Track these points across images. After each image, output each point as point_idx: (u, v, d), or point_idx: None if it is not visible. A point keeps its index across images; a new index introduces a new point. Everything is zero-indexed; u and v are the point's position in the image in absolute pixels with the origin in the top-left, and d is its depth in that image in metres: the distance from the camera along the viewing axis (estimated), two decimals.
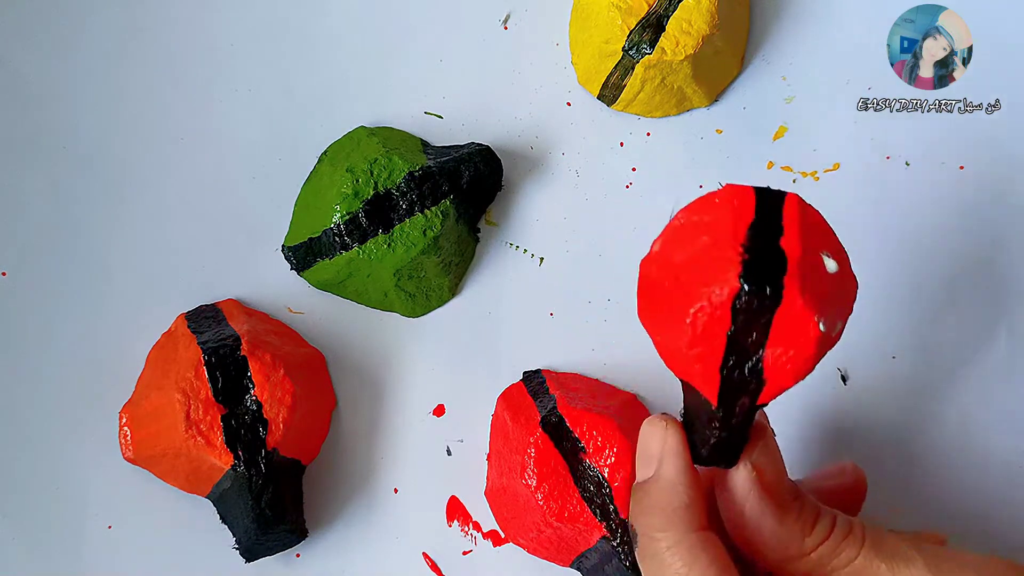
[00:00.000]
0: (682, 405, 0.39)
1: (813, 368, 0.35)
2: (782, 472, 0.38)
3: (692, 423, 0.38)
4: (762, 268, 0.34)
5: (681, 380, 0.37)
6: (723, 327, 0.34)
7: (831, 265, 0.35)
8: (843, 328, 0.36)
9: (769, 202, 0.35)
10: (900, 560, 0.37)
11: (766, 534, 0.37)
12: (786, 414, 0.51)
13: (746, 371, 0.35)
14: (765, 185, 0.36)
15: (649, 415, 0.50)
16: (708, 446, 0.37)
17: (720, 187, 0.36)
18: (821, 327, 0.34)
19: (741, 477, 0.37)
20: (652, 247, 0.36)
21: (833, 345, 0.36)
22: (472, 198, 0.51)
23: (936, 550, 0.38)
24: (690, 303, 0.35)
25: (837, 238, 0.36)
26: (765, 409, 0.37)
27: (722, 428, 0.36)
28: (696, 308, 0.34)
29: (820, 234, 0.36)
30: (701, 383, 0.36)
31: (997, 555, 0.49)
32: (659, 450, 0.38)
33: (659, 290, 0.36)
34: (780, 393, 0.35)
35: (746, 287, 0.34)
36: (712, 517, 0.38)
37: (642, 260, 0.37)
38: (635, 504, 0.38)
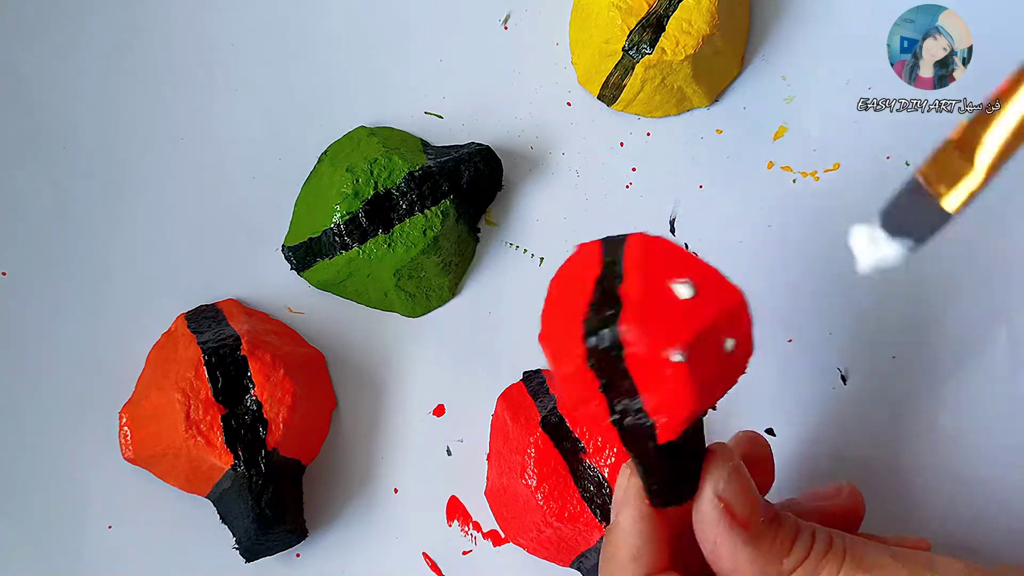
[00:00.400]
0: None
1: (710, 395, 0.35)
2: (753, 499, 0.37)
3: (640, 470, 0.38)
4: (602, 319, 0.34)
5: None
6: (594, 385, 0.35)
7: (683, 292, 0.34)
8: (744, 343, 0.35)
9: (613, 249, 0.35)
10: (879, 571, 0.37)
11: (741, 562, 0.37)
12: (786, 414, 0.51)
13: (635, 418, 0.35)
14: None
15: None
16: (652, 492, 0.37)
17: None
18: (677, 356, 0.33)
19: (706, 511, 0.37)
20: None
21: (741, 362, 0.35)
22: (472, 198, 0.51)
23: (917, 557, 0.38)
24: (560, 371, 0.35)
25: (697, 260, 0.35)
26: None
27: (654, 472, 0.36)
28: (564, 374, 0.35)
29: (670, 264, 0.35)
30: (609, 437, 0.37)
31: (992, 559, 0.50)
32: (618, 498, 0.39)
33: (549, 361, 0.36)
34: (681, 428, 0.35)
35: (590, 344, 0.34)
36: (678, 557, 0.39)
37: (538, 336, 0.37)
38: (602, 549, 0.39)
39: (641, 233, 0.36)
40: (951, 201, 0.30)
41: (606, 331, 0.34)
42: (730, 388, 0.36)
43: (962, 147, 0.29)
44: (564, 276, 0.36)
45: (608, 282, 0.35)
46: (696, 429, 0.37)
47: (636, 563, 0.37)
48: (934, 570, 0.37)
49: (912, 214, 0.30)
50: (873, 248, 0.30)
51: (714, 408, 0.37)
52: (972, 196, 0.29)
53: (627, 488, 0.38)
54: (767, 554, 0.37)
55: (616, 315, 0.34)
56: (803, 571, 0.37)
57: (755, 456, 0.41)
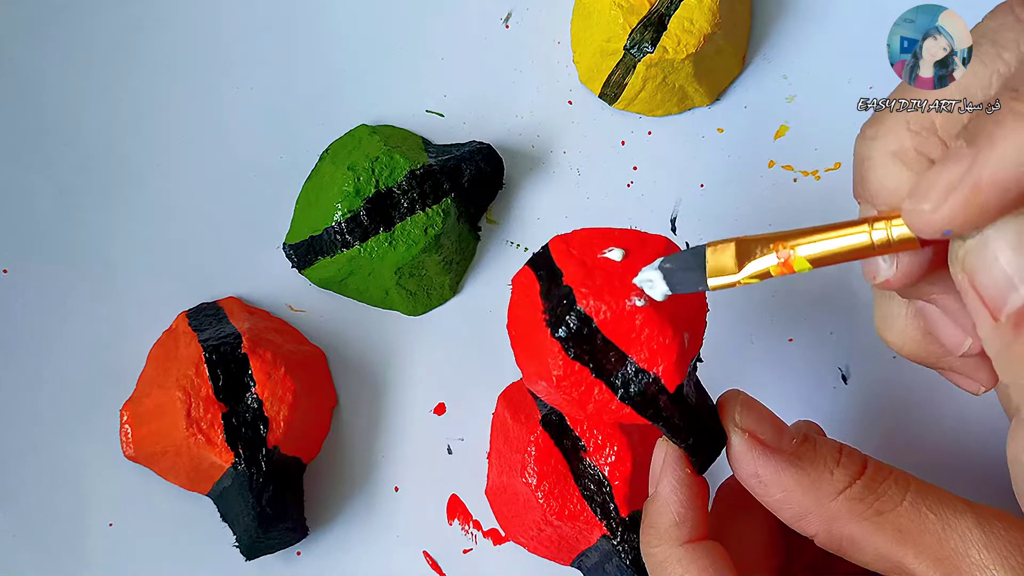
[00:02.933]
0: None
1: (679, 328, 0.36)
2: (776, 423, 0.37)
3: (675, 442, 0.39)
4: (560, 311, 0.36)
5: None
6: (585, 375, 0.36)
7: (615, 255, 0.36)
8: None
9: (543, 261, 0.38)
10: (950, 511, 0.35)
11: (792, 486, 0.36)
12: (786, 414, 0.50)
13: (636, 381, 0.36)
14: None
15: None
16: (691, 452, 0.38)
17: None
18: (639, 300, 0.35)
19: (736, 448, 0.36)
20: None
21: (696, 298, 0.37)
22: (473, 196, 0.51)
23: (985, 508, 0.36)
24: (550, 383, 0.37)
25: (615, 230, 0.38)
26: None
27: (675, 435, 0.37)
28: (556, 382, 0.36)
29: (593, 242, 0.37)
30: (627, 420, 0.37)
31: None
32: (656, 469, 0.38)
33: (537, 389, 0.38)
34: (681, 367, 0.36)
35: (562, 336, 0.36)
36: (715, 526, 0.38)
37: (524, 379, 0.39)
38: (642, 523, 0.39)
39: (557, 236, 0.38)
40: (712, 280, 0.33)
41: (570, 315, 0.36)
42: (703, 327, 0.37)
43: (744, 248, 0.33)
44: (514, 309, 0.38)
45: (551, 285, 0.37)
46: (699, 385, 0.38)
47: (678, 529, 0.37)
48: (1005, 519, 0.35)
49: (684, 271, 0.34)
50: (650, 282, 0.35)
51: (700, 359, 0.38)
52: (728, 287, 0.33)
53: (665, 458, 0.38)
54: (812, 471, 0.36)
55: (572, 299, 0.36)
56: (861, 487, 0.35)
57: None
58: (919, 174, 0.32)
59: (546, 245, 0.38)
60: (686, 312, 0.37)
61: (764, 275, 0.32)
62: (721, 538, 0.38)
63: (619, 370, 0.36)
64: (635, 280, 0.35)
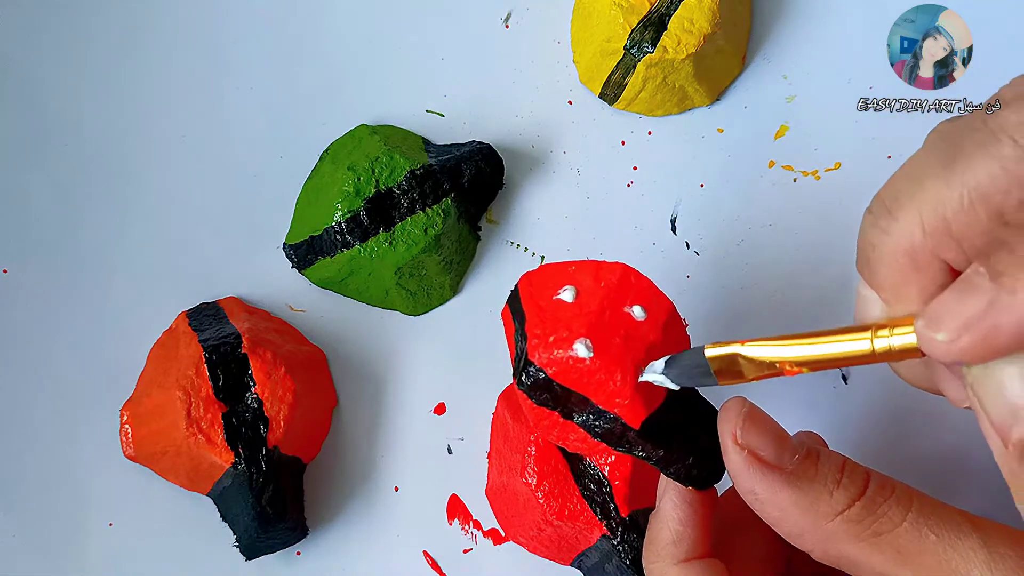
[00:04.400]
0: None
1: (629, 368, 0.36)
2: (778, 439, 0.35)
3: None
4: (523, 363, 0.36)
5: None
6: (554, 419, 0.37)
7: (567, 295, 0.37)
8: (655, 302, 0.37)
9: (514, 301, 0.38)
10: (953, 530, 0.34)
11: (789, 506, 0.35)
12: (786, 414, 0.50)
13: (604, 421, 0.36)
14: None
15: None
16: (685, 476, 0.37)
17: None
18: (581, 351, 0.35)
19: (733, 463, 0.35)
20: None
21: (659, 322, 0.37)
22: (473, 196, 0.51)
23: (991, 524, 0.35)
24: (536, 427, 0.38)
25: (572, 264, 0.38)
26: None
27: (661, 464, 0.37)
28: (536, 425, 0.38)
29: (549, 281, 0.38)
30: (610, 451, 0.37)
31: None
32: (662, 485, 0.39)
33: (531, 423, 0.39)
34: (642, 409, 0.36)
35: (524, 385, 0.37)
36: (732, 548, 0.39)
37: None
38: (645, 539, 0.39)
39: (522, 276, 0.38)
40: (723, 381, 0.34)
41: (528, 367, 0.36)
42: (683, 346, 0.37)
43: (749, 366, 0.34)
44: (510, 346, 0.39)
45: (518, 329, 0.37)
46: (693, 398, 0.38)
47: (676, 547, 0.37)
48: (1013, 539, 0.34)
49: (690, 371, 0.35)
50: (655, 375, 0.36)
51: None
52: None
53: (663, 479, 0.38)
54: (810, 492, 0.35)
55: (524, 349, 0.36)
56: (859, 509, 0.34)
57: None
58: (931, 281, 0.32)
59: (516, 285, 0.39)
60: (647, 344, 0.36)
61: (770, 375, 0.34)
62: (722, 546, 0.38)
63: (586, 412, 0.36)
64: (643, 378, 0.36)
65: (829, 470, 0.35)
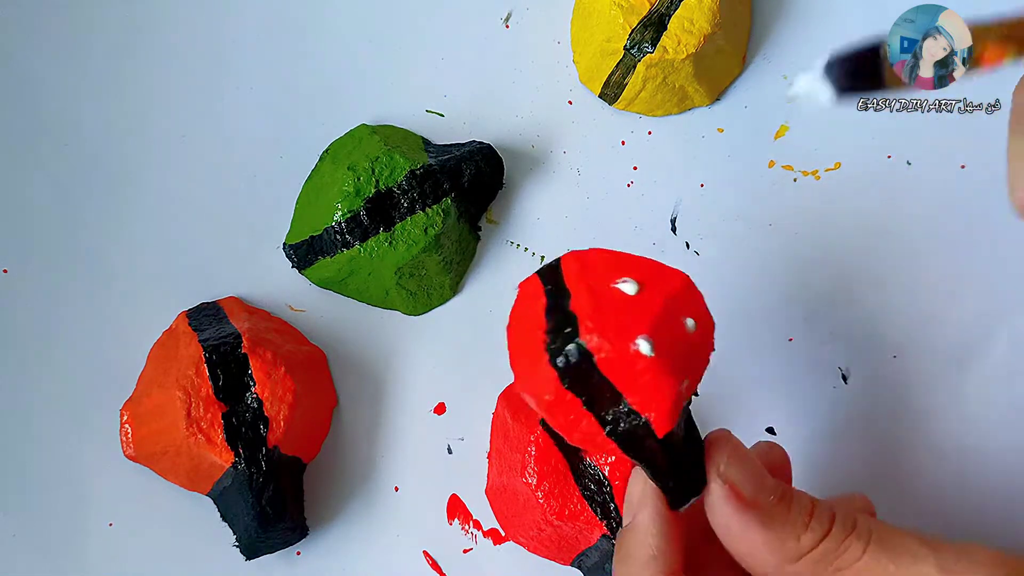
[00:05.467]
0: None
1: (680, 380, 0.35)
2: (758, 479, 0.37)
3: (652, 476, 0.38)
4: (563, 339, 0.35)
5: None
6: (576, 405, 0.35)
7: (629, 288, 0.36)
8: (704, 319, 0.36)
9: (552, 274, 0.37)
10: (908, 557, 0.36)
11: (759, 544, 0.37)
12: (786, 413, 0.51)
13: (626, 422, 0.35)
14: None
15: None
16: (669, 491, 0.37)
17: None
18: (643, 349, 0.34)
19: (713, 496, 0.37)
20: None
21: (705, 340, 0.36)
22: (473, 196, 0.51)
23: (947, 545, 0.37)
24: (542, 408, 0.36)
25: (630, 258, 0.37)
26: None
27: (656, 476, 0.37)
28: (546, 406, 0.36)
29: (607, 269, 0.36)
30: (609, 451, 0.36)
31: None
32: (635, 499, 0.38)
33: (532, 400, 0.37)
34: (672, 416, 0.35)
35: (560, 365, 0.35)
36: (694, 557, 0.38)
37: (516, 385, 0.38)
38: (616, 551, 0.39)
39: (570, 252, 0.37)
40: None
41: (571, 347, 0.35)
42: (705, 367, 0.36)
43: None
44: (516, 318, 0.37)
45: (557, 305, 0.36)
46: (689, 420, 0.37)
47: (656, 562, 0.37)
48: (968, 558, 0.36)
49: (858, 68, 0.32)
50: (811, 80, 0.33)
51: (696, 394, 0.37)
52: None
53: (643, 490, 0.38)
54: (781, 533, 0.36)
55: (575, 330, 0.35)
56: (823, 549, 0.36)
57: (771, 461, 0.41)
58: None
59: (559, 260, 0.37)
60: (690, 358, 0.36)
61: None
62: (690, 554, 0.39)
63: (611, 408, 0.35)
64: (792, 91, 0.33)
65: (799, 514, 0.37)
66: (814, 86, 0.33)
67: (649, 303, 0.35)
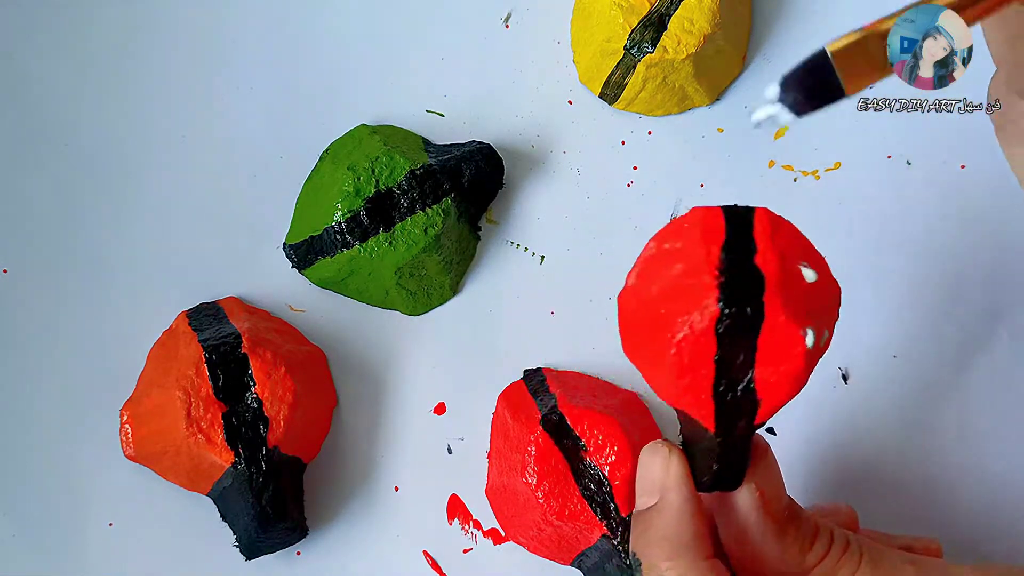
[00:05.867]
0: (679, 430, 0.38)
1: (806, 381, 0.35)
2: (782, 491, 0.38)
3: (691, 450, 0.37)
4: (740, 288, 0.34)
5: (676, 409, 0.37)
6: (709, 353, 0.34)
7: (810, 275, 0.35)
8: (831, 336, 0.36)
9: (739, 219, 0.35)
10: (894, 574, 0.38)
11: (768, 554, 0.37)
12: (786, 413, 0.50)
13: (739, 393, 0.35)
14: (752, 197, 0.36)
15: (649, 413, 0.50)
16: (711, 473, 0.36)
17: (687, 211, 0.36)
18: (808, 340, 0.34)
19: (745, 499, 0.37)
20: (627, 280, 0.36)
21: (822, 354, 0.35)
22: (473, 196, 0.51)
23: (931, 563, 0.39)
24: (673, 334, 0.34)
25: (813, 246, 0.36)
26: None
27: (722, 454, 0.36)
28: (679, 338, 0.34)
29: (795, 245, 0.35)
30: (696, 411, 0.35)
31: (993, 559, 0.49)
32: (662, 479, 0.37)
33: (640, 323, 0.36)
34: (777, 410, 0.35)
35: (727, 310, 0.34)
36: (717, 543, 0.38)
37: (619, 294, 0.36)
38: (639, 534, 0.38)
39: (765, 208, 0.35)
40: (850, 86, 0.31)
41: (749, 302, 0.34)
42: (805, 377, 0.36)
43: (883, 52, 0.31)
44: (675, 237, 0.35)
45: (739, 252, 0.34)
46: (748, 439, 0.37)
47: (696, 542, 0.36)
48: (948, 574, 0.38)
49: (809, 85, 0.32)
50: (770, 107, 0.32)
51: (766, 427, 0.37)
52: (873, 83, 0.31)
53: (671, 471, 0.37)
54: (791, 548, 0.37)
55: (761, 287, 0.34)
56: (822, 568, 0.38)
57: (839, 519, 0.43)
58: None
59: (755, 209, 0.35)
60: (824, 304, 0.35)
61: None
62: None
63: (735, 374, 0.34)
64: (755, 118, 0.33)
65: (805, 532, 0.38)
66: (774, 113, 0.32)
67: (820, 298, 0.35)
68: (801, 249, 0.35)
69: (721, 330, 0.34)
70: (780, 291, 0.34)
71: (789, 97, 0.32)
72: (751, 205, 0.35)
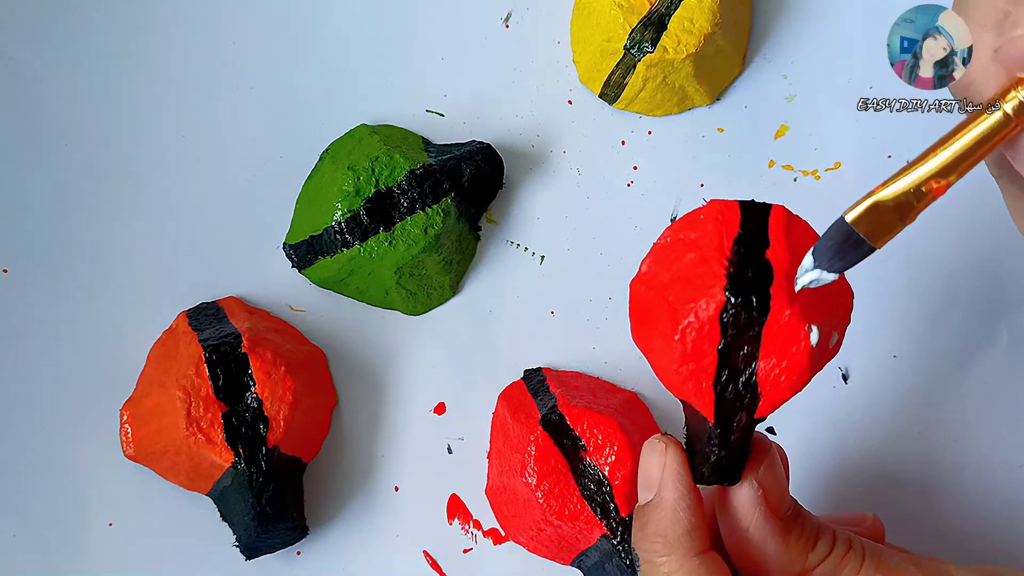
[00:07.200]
0: (683, 422, 0.38)
1: (809, 379, 0.35)
2: (785, 489, 0.38)
3: (692, 442, 0.37)
4: (748, 280, 0.34)
5: (680, 400, 0.37)
6: (713, 342, 0.34)
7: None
8: (841, 339, 0.36)
9: (755, 214, 0.35)
10: (897, 574, 0.38)
11: (770, 552, 0.37)
12: (786, 413, 0.50)
13: (740, 386, 0.35)
14: (750, 198, 0.36)
15: (649, 413, 0.50)
16: (709, 465, 0.36)
17: (705, 202, 0.36)
18: (813, 338, 0.34)
19: (745, 496, 0.37)
20: (640, 267, 0.36)
21: (831, 357, 0.36)
22: (473, 196, 0.51)
23: (934, 565, 0.39)
24: (678, 320, 0.35)
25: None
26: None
27: (721, 446, 0.36)
28: (684, 324, 0.34)
29: (810, 243, 0.35)
30: (696, 400, 0.35)
31: (993, 559, 0.49)
32: (659, 473, 0.37)
33: (649, 310, 0.36)
34: (777, 406, 0.35)
35: (732, 299, 0.34)
36: (715, 538, 0.38)
37: (631, 281, 0.37)
38: (637, 529, 0.38)
39: (782, 206, 0.36)
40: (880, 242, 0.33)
41: (756, 293, 0.34)
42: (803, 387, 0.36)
43: (898, 207, 0.33)
44: (690, 227, 0.36)
45: (751, 244, 0.35)
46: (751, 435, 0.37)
47: (690, 536, 0.36)
48: None
49: (837, 249, 0.33)
50: (809, 274, 0.34)
51: (763, 420, 0.37)
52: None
53: (668, 465, 0.37)
54: (793, 547, 0.37)
55: (769, 280, 0.34)
56: (824, 568, 0.38)
57: (864, 530, 0.43)
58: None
59: (770, 206, 0.36)
60: (816, 367, 0.35)
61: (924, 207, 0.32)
62: None
63: (737, 366, 0.35)
64: (799, 284, 0.34)
65: (808, 532, 0.38)
66: (815, 277, 0.34)
67: (830, 299, 0.35)
68: (808, 242, 0.35)
69: (726, 319, 0.34)
70: (788, 286, 0.34)
71: (824, 264, 0.33)
72: (768, 202, 0.36)
